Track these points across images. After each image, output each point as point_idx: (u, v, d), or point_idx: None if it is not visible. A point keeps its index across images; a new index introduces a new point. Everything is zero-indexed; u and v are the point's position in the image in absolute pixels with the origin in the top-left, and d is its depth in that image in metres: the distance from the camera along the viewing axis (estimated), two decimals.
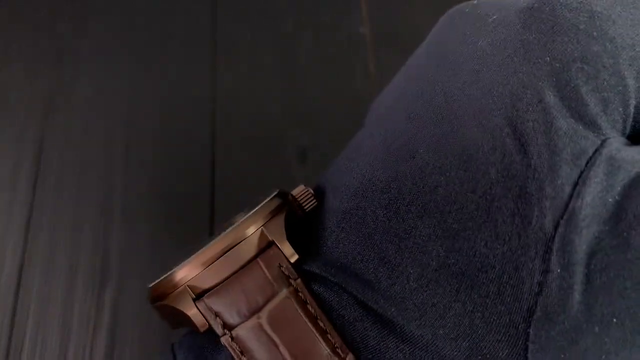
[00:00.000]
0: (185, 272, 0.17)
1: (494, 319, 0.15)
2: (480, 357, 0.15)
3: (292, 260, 0.17)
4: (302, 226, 0.19)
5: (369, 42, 0.44)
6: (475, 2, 0.19)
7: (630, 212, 0.14)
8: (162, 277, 0.17)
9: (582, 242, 0.14)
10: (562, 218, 0.15)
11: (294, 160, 0.41)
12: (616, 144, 0.16)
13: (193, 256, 0.17)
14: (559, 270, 0.14)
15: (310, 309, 0.16)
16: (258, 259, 0.17)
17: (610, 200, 0.15)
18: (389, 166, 0.17)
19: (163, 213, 0.40)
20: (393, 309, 0.16)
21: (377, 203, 0.17)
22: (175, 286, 0.17)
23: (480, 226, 0.15)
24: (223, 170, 0.41)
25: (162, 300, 0.18)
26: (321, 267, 0.17)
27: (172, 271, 0.17)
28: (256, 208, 0.18)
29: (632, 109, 0.16)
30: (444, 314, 0.16)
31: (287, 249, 0.17)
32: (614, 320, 0.15)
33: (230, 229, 0.17)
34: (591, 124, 0.15)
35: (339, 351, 0.16)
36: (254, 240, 0.17)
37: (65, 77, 0.44)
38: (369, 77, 0.43)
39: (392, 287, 0.16)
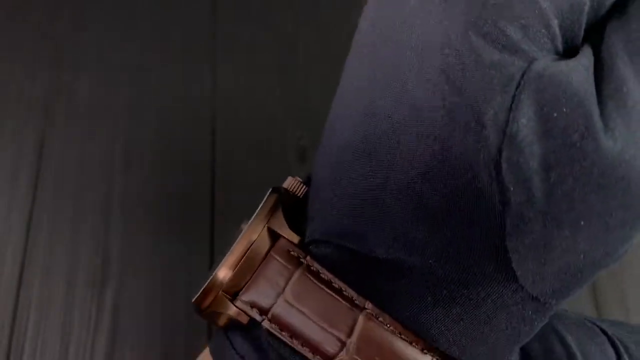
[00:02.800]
0: (221, 276, 0.20)
1: (473, 242, 0.17)
2: (471, 274, 0.18)
3: (296, 241, 0.20)
4: (304, 206, 0.22)
5: None
6: None
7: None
8: (202, 290, 0.20)
9: (529, 160, 0.16)
10: (502, 143, 0.16)
11: (294, 160, 0.41)
12: (544, 62, 0.17)
13: (221, 262, 0.20)
14: (512, 188, 0.16)
15: (323, 276, 0.19)
16: (271, 252, 0.20)
17: (552, 114, 0.16)
18: (357, 130, 0.19)
19: (163, 213, 0.40)
20: (382, 251, 0.18)
21: (352, 167, 0.19)
22: (213, 293, 0.20)
23: (441, 165, 0.17)
24: (223, 170, 0.41)
25: (205, 310, 0.20)
26: (323, 235, 0.20)
27: (209, 280, 0.20)
28: (257, 211, 0.21)
29: (556, 28, 0.17)
30: (429, 244, 0.18)
31: (291, 236, 0.20)
32: (582, 222, 0.17)
33: (240, 235, 0.20)
34: (516, 51, 0.17)
35: (357, 302, 0.19)
36: (264, 237, 0.20)
37: (65, 77, 0.44)
38: None
39: (381, 234, 0.18)
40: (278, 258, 0.20)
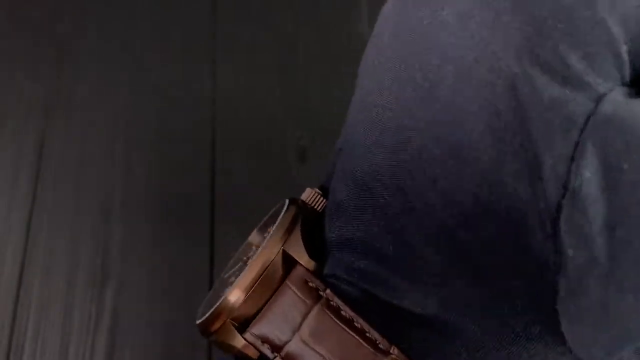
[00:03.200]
0: (232, 299, 0.18)
1: (518, 300, 0.15)
2: (513, 335, 0.16)
3: (312, 269, 0.18)
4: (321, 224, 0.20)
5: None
6: None
7: None
8: (209, 312, 0.18)
9: (593, 220, 0.14)
10: (562, 199, 0.14)
11: (294, 160, 0.41)
12: (614, 101, 0.14)
13: (233, 285, 0.18)
14: (571, 251, 0.14)
15: (344, 314, 0.17)
16: (287, 281, 0.18)
17: (622, 165, 0.14)
18: (383, 155, 0.17)
19: (163, 213, 0.40)
20: (420, 307, 0.16)
21: (377, 199, 0.17)
22: (221, 319, 0.18)
23: (486, 213, 0.15)
24: (223, 171, 0.41)
25: (210, 336, 0.18)
26: (345, 273, 0.18)
27: (218, 303, 0.18)
28: (272, 229, 0.19)
29: (625, 56, 0.15)
30: (468, 299, 0.16)
31: (309, 264, 0.18)
32: None
33: (256, 253, 0.18)
34: (579, 85, 0.14)
35: (381, 346, 0.17)
36: (279, 261, 0.18)
37: (65, 77, 0.44)
38: None
39: (414, 285, 0.16)
40: (294, 289, 0.17)
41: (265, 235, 0.19)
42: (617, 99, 0.14)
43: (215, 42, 0.45)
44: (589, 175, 0.14)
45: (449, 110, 0.15)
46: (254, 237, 0.21)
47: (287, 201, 0.20)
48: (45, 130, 0.42)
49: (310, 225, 0.19)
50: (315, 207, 0.20)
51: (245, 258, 0.20)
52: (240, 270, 0.19)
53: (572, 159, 0.14)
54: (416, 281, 0.16)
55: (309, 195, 0.20)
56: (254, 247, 0.20)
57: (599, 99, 0.14)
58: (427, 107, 0.16)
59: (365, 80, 0.19)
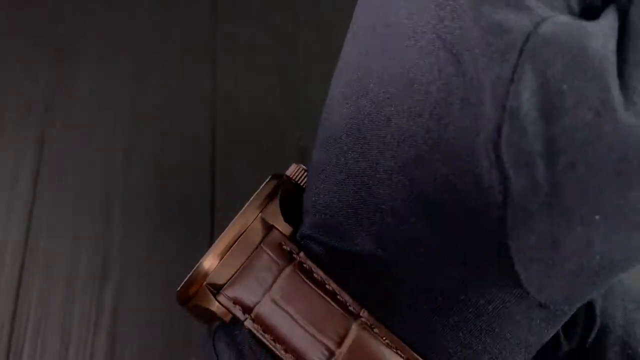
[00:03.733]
0: (206, 265, 0.18)
1: (473, 240, 0.15)
2: (470, 278, 0.16)
3: (287, 233, 0.18)
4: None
5: None
6: None
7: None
8: (186, 279, 0.18)
9: (533, 141, 0.14)
10: (502, 120, 0.14)
11: (294, 160, 0.41)
12: (554, 24, 0.14)
13: (208, 251, 0.18)
14: (512, 174, 0.14)
15: (316, 276, 0.17)
16: (262, 245, 0.18)
17: (561, 86, 0.13)
18: (349, 106, 0.17)
19: (163, 213, 0.40)
20: (379, 250, 0.16)
21: (342, 148, 0.17)
22: (197, 284, 0.18)
23: (437, 147, 0.15)
24: (223, 171, 0.41)
25: (189, 302, 0.19)
26: (310, 228, 0.18)
27: (194, 269, 0.18)
28: (252, 197, 0.19)
29: None
30: (423, 240, 0.16)
31: (285, 228, 0.18)
32: (597, 217, 0.14)
33: (232, 221, 0.18)
34: (521, 8, 0.14)
35: (351, 308, 0.17)
36: (257, 227, 0.18)
37: (65, 77, 0.44)
38: None
39: (371, 228, 0.16)
40: (268, 251, 0.18)
41: None
42: (557, 21, 0.14)
43: (215, 42, 0.45)
44: (527, 96, 0.14)
45: (402, 47, 0.15)
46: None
47: (270, 176, 0.20)
48: (45, 130, 0.42)
49: (292, 198, 0.19)
50: (300, 182, 0.20)
51: None
52: None
53: (512, 80, 0.14)
54: (373, 223, 0.16)
55: (293, 170, 0.20)
56: None
57: (539, 22, 0.14)
58: (386, 49, 0.16)
59: (345, 45, 0.19)
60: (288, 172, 0.20)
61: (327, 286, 0.17)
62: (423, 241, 0.16)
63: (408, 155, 0.15)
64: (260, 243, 0.18)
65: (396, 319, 0.17)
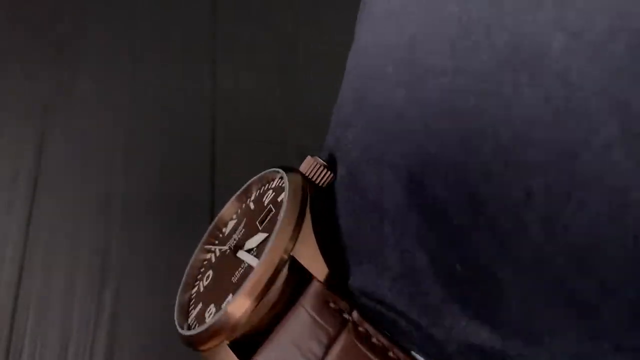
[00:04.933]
0: (237, 313, 0.13)
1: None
2: None
3: (331, 282, 0.14)
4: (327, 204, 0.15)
5: None
6: None
7: None
8: (207, 326, 0.14)
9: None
10: None
11: (294, 160, 0.40)
12: None
13: (238, 293, 0.13)
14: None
15: (376, 341, 0.13)
16: (301, 302, 0.13)
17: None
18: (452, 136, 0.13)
19: (163, 213, 0.40)
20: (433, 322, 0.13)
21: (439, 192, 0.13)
22: (220, 337, 0.14)
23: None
24: (223, 171, 0.41)
25: (197, 350, 0.15)
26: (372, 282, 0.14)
27: (220, 315, 0.13)
28: (277, 226, 0.14)
29: None
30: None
31: (325, 273, 0.14)
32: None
33: (264, 253, 0.13)
34: None
35: None
36: (286, 272, 0.14)
37: (65, 77, 0.44)
38: None
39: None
40: (310, 311, 0.13)
41: (249, 202, 0.14)
42: None
43: (215, 42, 0.45)
44: None
45: None
46: (228, 210, 0.16)
47: (283, 173, 0.15)
48: (45, 130, 0.42)
49: (314, 207, 0.15)
50: (318, 182, 0.15)
51: (226, 236, 0.15)
52: (224, 257, 0.14)
53: None
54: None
55: (310, 166, 0.16)
56: (230, 224, 0.16)
57: None
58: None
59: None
60: (303, 169, 0.16)
61: (390, 353, 0.13)
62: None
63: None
64: (292, 293, 0.13)
65: None
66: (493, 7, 0.11)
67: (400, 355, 0.13)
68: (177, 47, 0.45)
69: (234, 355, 0.13)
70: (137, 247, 0.39)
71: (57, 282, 0.38)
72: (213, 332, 0.14)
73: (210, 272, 0.16)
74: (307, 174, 0.15)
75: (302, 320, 0.13)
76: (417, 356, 0.13)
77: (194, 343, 0.14)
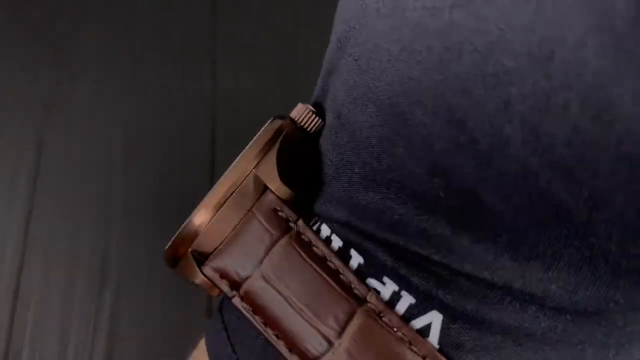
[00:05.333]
0: (197, 221, 0.15)
1: None
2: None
3: (285, 197, 0.15)
4: (312, 150, 0.17)
5: None
6: None
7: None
8: (174, 237, 0.16)
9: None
10: None
11: None
12: None
13: (200, 205, 0.16)
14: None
15: (317, 250, 0.14)
16: (253, 209, 0.15)
17: None
18: (433, 67, 0.13)
19: (163, 213, 0.40)
20: (400, 239, 0.14)
21: (421, 119, 0.13)
22: (186, 244, 0.16)
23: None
24: (223, 171, 0.41)
25: (174, 267, 0.16)
26: (323, 202, 0.15)
27: (183, 225, 0.16)
28: (249, 145, 0.16)
29: None
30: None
31: (282, 190, 0.15)
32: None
33: (227, 171, 0.16)
34: None
35: (357, 292, 0.14)
36: (249, 185, 0.15)
37: (64, 77, 0.44)
38: None
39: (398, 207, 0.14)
40: (260, 217, 0.15)
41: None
42: None
43: (215, 42, 0.45)
44: None
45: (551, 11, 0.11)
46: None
47: (272, 118, 0.17)
48: (45, 130, 0.42)
49: (295, 147, 0.16)
50: (306, 126, 0.17)
51: None
52: None
53: None
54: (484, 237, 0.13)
55: (300, 112, 0.17)
56: None
57: None
58: (514, 6, 0.11)
59: None
60: (293, 115, 0.17)
61: (330, 263, 0.14)
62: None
63: (543, 168, 0.12)
64: (252, 206, 0.15)
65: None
66: None
67: (340, 264, 0.14)
68: (177, 47, 0.45)
69: (193, 261, 0.15)
70: (137, 247, 0.39)
71: (57, 282, 0.38)
72: (179, 241, 0.15)
73: None
74: (297, 120, 0.17)
75: (251, 225, 0.15)
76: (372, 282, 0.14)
77: (168, 257, 0.16)
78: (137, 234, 0.39)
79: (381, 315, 0.14)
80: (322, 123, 0.17)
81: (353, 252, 0.15)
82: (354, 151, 0.15)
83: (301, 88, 0.43)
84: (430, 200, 0.13)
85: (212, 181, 0.40)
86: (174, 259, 0.16)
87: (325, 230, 0.15)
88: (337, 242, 0.15)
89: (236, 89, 0.44)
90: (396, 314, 0.14)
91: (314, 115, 0.17)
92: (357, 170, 0.15)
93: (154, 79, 0.44)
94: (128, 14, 0.46)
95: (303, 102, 0.17)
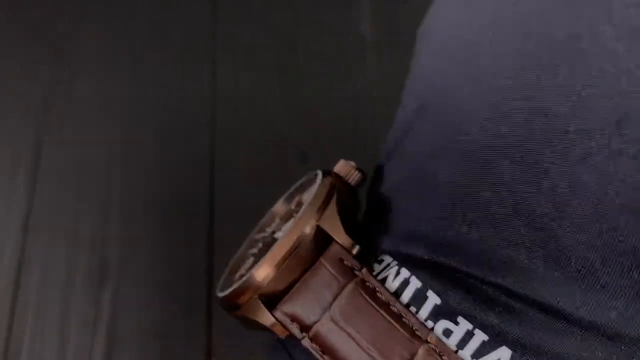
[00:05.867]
0: (260, 276, 0.17)
1: None
2: None
3: (354, 252, 0.17)
4: (354, 201, 0.19)
5: (369, 42, 0.44)
6: None
7: None
8: (235, 287, 0.17)
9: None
10: None
11: (294, 161, 0.41)
12: None
13: (263, 259, 0.17)
14: None
15: (381, 296, 0.16)
16: (321, 259, 0.17)
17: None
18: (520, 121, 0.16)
19: (163, 213, 0.40)
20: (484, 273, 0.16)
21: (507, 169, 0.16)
22: (248, 294, 0.17)
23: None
24: (223, 171, 0.41)
25: (235, 310, 0.18)
26: (389, 244, 0.17)
27: (245, 278, 0.17)
28: (306, 201, 0.18)
29: None
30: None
31: (346, 241, 0.17)
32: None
33: (287, 230, 0.17)
34: None
35: (419, 333, 0.16)
36: (311, 238, 0.17)
37: (64, 77, 0.44)
38: (369, 77, 0.43)
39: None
40: (328, 267, 0.17)
41: (292, 206, 0.19)
42: None
43: (215, 42, 0.45)
44: None
45: None
46: (279, 207, 0.20)
47: (319, 172, 0.19)
48: (44, 130, 0.42)
49: (344, 199, 0.18)
50: (348, 180, 0.19)
51: (271, 230, 0.19)
52: (265, 243, 0.18)
53: None
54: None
55: (342, 167, 0.19)
56: (277, 219, 0.20)
57: None
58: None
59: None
60: (337, 169, 0.19)
61: (392, 307, 0.16)
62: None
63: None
64: (317, 256, 0.17)
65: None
66: None
67: (402, 308, 0.16)
68: (177, 47, 0.45)
69: (263, 305, 0.17)
70: (136, 247, 0.39)
71: (56, 283, 0.38)
72: (240, 291, 0.17)
73: (252, 258, 0.20)
74: (341, 175, 0.19)
75: (320, 274, 0.17)
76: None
77: (225, 305, 0.18)
78: (137, 234, 0.39)
79: (441, 354, 0.15)
80: (362, 176, 0.19)
81: (430, 293, 0.16)
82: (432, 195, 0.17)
83: (301, 88, 0.43)
84: (513, 236, 0.15)
85: (211, 181, 0.40)
86: (233, 306, 0.18)
87: (404, 273, 0.17)
88: (415, 284, 0.17)
89: (236, 89, 0.44)
90: (455, 352, 0.15)
91: (355, 171, 0.19)
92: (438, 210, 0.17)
93: (154, 79, 0.44)
94: (128, 14, 0.46)
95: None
